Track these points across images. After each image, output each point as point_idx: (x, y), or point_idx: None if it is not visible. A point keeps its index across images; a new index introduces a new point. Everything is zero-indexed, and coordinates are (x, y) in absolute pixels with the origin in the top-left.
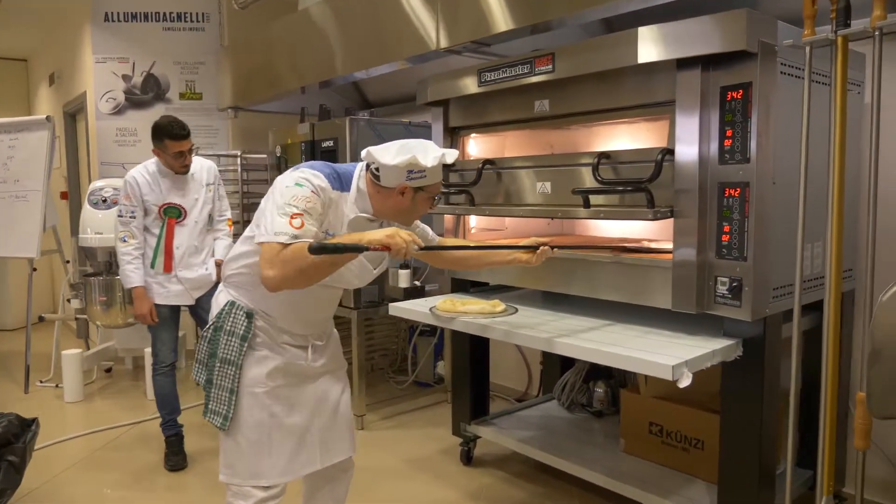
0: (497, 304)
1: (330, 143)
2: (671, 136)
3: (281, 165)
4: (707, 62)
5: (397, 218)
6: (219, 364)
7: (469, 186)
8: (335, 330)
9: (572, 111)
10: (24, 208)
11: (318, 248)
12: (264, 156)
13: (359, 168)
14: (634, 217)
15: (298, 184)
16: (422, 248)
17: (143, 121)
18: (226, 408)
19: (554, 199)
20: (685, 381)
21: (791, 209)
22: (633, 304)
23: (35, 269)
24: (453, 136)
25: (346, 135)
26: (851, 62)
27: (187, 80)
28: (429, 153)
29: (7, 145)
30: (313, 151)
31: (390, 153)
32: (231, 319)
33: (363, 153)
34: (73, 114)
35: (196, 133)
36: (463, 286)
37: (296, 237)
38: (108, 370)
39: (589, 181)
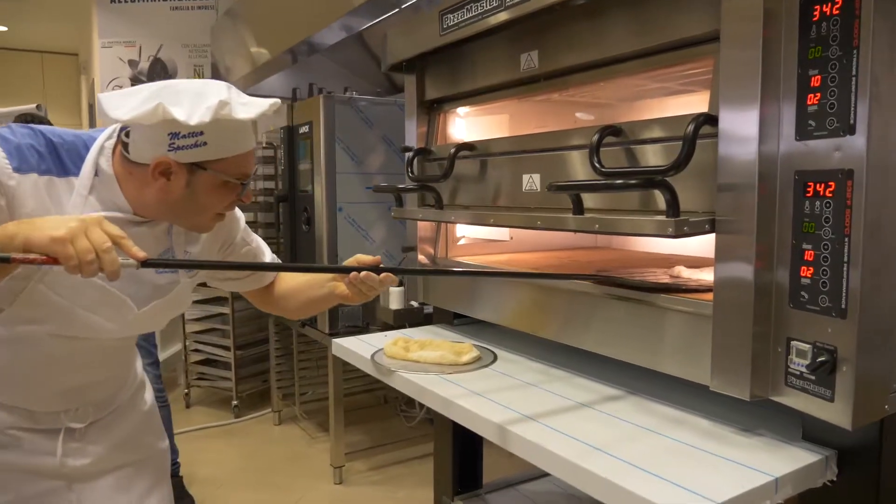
0: (465, 351)
1: (305, 129)
2: (713, 93)
3: (276, 156)
4: None
5: (178, 219)
6: None
7: (435, 181)
8: (145, 394)
9: (568, 65)
10: None
11: None
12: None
13: (103, 136)
14: (645, 231)
15: None
16: (146, 264)
17: None
18: None
19: (544, 198)
20: None
21: None
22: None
23: None
24: (431, 114)
25: (319, 117)
26: None
27: (195, 65)
28: (202, 100)
29: None
30: (291, 139)
31: (130, 102)
32: None
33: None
34: (94, 105)
35: None
36: (445, 317)
37: None
38: None
39: (589, 170)
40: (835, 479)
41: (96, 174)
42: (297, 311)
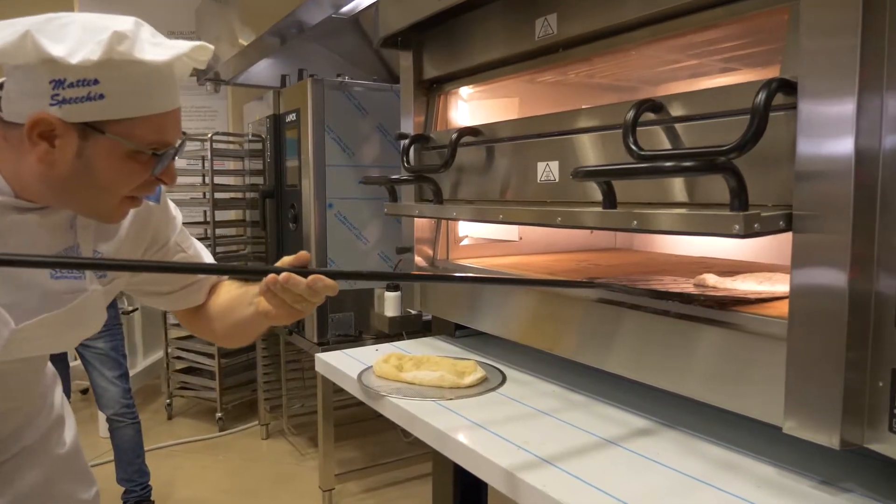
0: (468, 370)
1: (292, 117)
2: (788, 51)
3: (265, 147)
4: None
5: (72, 202)
6: None
7: (433, 172)
8: (64, 433)
9: (593, 29)
10: None
11: None
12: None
13: None
14: (704, 229)
15: None
16: None
17: None
18: None
19: (563, 190)
20: None
21: None
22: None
23: None
24: (430, 96)
25: (307, 104)
26: None
27: None
28: (95, 33)
29: None
30: (277, 129)
31: None
32: None
33: None
34: None
35: (190, 116)
36: (445, 327)
37: None
38: (84, 391)
39: (621, 156)
40: None
41: None
42: (225, 335)
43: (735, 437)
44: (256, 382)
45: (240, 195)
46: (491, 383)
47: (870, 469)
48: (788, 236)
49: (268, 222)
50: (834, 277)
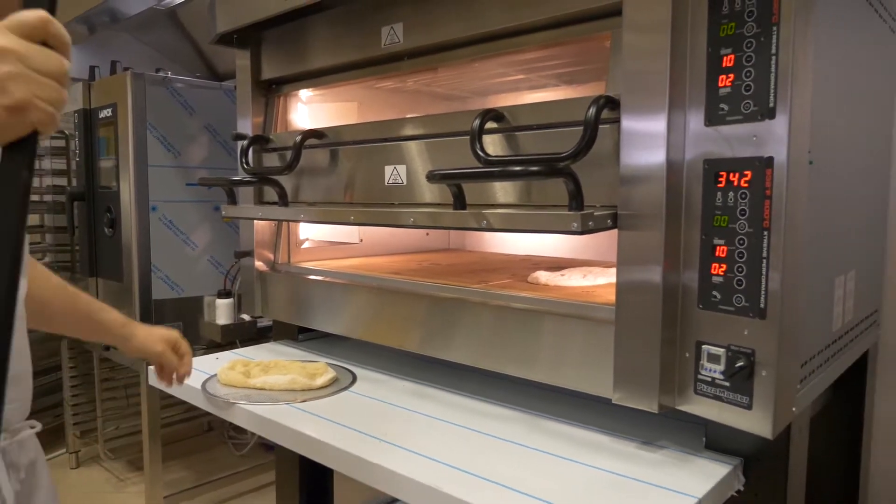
0: (319, 372)
1: (107, 113)
2: (612, 73)
3: (70, 147)
4: None
5: None
6: None
7: (278, 174)
8: None
9: (440, 41)
10: None
11: None
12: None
13: None
14: (548, 227)
15: None
16: None
17: None
18: None
19: (411, 192)
20: None
21: (836, 213)
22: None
23: None
24: (269, 97)
25: (126, 99)
26: None
27: None
28: None
29: None
30: (89, 125)
31: None
32: None
33: None
34: None
35: None
36: (287, 331)
37: None
38: None
39: (467, 161)
40: (742, 488)
41: None
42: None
43: (574, 413)
44: (61, 406)
45: (37, 198)
46: (342, 383)
47: (681, 429)
48: (600, 235)
49: (77, 228)
50: (651, 269)
